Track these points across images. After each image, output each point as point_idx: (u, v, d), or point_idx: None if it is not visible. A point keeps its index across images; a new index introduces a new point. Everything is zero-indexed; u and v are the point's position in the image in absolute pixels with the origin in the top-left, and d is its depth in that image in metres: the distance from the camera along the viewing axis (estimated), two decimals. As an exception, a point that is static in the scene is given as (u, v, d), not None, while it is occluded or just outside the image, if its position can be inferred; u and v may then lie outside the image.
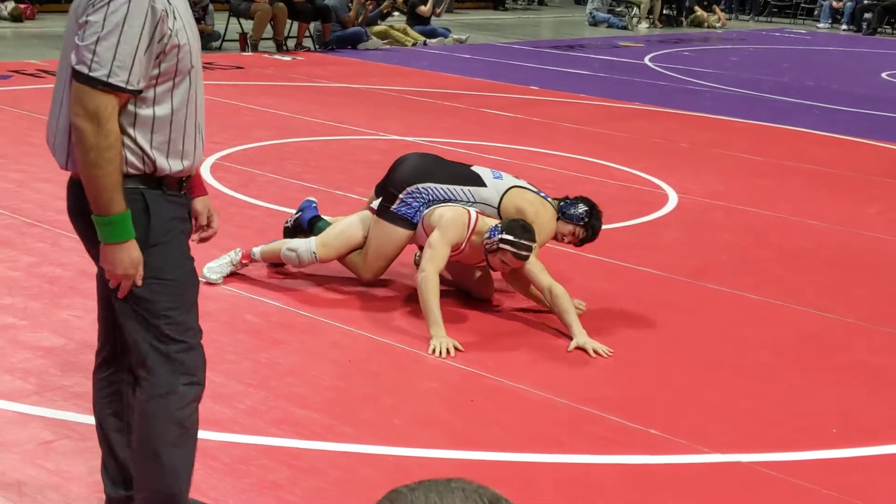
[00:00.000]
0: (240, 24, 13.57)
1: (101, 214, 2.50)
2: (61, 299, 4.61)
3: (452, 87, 11.39)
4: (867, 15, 22.51)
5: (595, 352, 4.41)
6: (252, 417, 3.65)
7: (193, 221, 2.85)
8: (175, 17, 2.49)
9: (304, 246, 4.91)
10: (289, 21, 13.62)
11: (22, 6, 15.35)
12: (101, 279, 2.68)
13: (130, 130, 2.52)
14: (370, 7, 14.59)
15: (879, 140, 9.94)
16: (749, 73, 14.39)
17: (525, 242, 4.49)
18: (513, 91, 11.54)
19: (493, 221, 4.67)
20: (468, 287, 4.99)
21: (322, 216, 5.27)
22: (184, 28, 2.52)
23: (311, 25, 13.90)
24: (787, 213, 6.96)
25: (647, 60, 15.13)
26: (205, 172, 6.97)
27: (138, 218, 2.55)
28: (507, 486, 3.34)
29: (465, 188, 4.81)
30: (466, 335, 4.50)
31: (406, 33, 15.33)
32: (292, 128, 8.68)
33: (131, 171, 2.54)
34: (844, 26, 22.92)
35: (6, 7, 15.15)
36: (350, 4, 14.13)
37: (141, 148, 2.53)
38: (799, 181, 8.04)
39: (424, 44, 15.30)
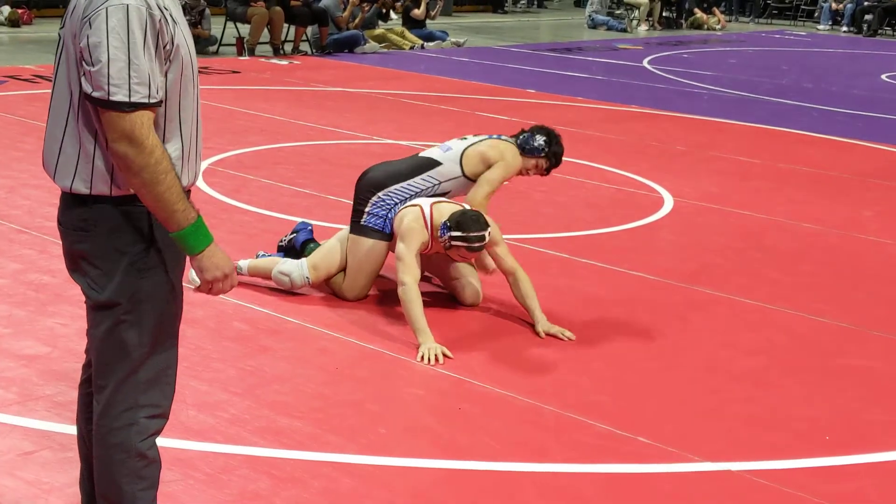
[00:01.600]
0: (236, 28, 13.54)
1: (183, 227, 2.42)
2: (47, 307, 4.56)
3: (449, 91, 11.36)
4: (868, 16, 22.45)
5: (563, 335, 4.54)
6: (235, 426, 3.61)
7: None
8: (174, 22, 2.44)
9: (297, 271, 4.88)
10: (286, 25, 13.59)
11: (19, 11, 15.34)
12: None
13: None
14: (366, 9, 14.55)
15: (877, 142, 9.89)
16: (748, 75, 14.34)
17: (475, 234, 4.47)
18: (510, 94, 11.50)
19: (450, 210, 4.62)
20: (457, 292, 4.94)
21: (315, 240, 5.23)
22: (182, 32, 2.47)
23: (308, 29, 13.87)
24: (783, 216, 6.91)
25: (645, 63, 15.09)
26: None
27: (144, 238, 2.48)
28: (492, 496, 3.30)
29: (424, 175, 4.90)
30: (455, 341, 4.45)
31: (403, 37, 15.29)
32: (287, 132, 8.64)
33: None
34: (845, 28, 22.86)
35: (3, 12, 15.14)
36: (345, 4, 14.09)
37: None
38: (794, 184, 7.99)
39: (422, 47, 15.27)
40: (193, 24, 12.78)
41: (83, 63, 2.38)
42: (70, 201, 2.52)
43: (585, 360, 4.41)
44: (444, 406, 3.91)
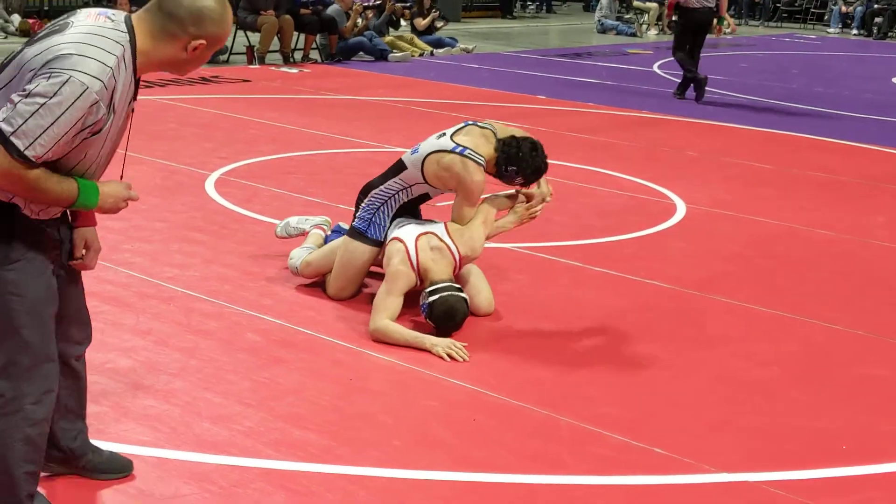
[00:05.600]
0: (247, 37, 13.56)
1: (72, 204, 2.69)
2: None
3: (459, 98, 11.36)
4: (878, 19, 22.41)
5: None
6: (250, 439, 3.61)
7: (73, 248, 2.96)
8: (109, 108, 2.60)
9: (296, 259, 5.18)
10: (295, 33, 13.62)
11: (30, 21, 15.40)
12: None
13: None
14: (370, 16, 14.58)
15: (889, 146, 9.86)
16: (758, 80, 14.31)
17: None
18: (520, 101, 11.50)
19: (437, 230, 4.69)
20: (469, 302, 4.90)
21: None
22: (111, 115, 2.63)
23: (318, 37, 13.91)
24: (795, 223, 6.89)
25: (655, 68, 15.07)
26: (209, 187, 6.95)
27: (4, 234, 2.68)
28: (507, 509, 3.29)
29: (395, 179, 4.89)
30: (468, 352, 4.44)
31: (413, 43, 15.31)
32: (297, 141, 8.65)
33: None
34: (855, 31, 22.82)
35: (14, 22, 15.20)
36: (349, 12, 14.11)
37: None
38: (806, 189, 7.97)
39: (431, 54, 15.28)
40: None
41: (16, 93, 2.54)
42: None
43: (599, 370, 4.40)
44: (459, 418, 3.90)
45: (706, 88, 11.82)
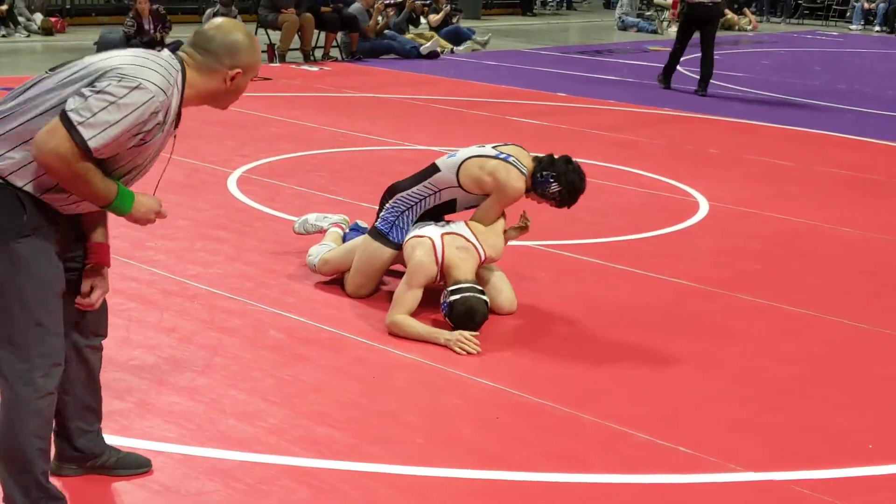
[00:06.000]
0: (267, 35, 13.60)
1: (108, 204, 2.79)
2: None
3: (479, 95, 11.35)
4: (900, 16, 22.25)
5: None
6: (275, 436, 3.61)
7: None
8: (163, 121, 2.76)
9: (315, 253, 5.23)
10: (316, 31, 13.65)
11: (52, 19, 15.48)
12: None
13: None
14: (391, 13, 14.58)
15: (914, 144, 9.78)
16: (780, 77, 14.24)
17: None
18: (540, 98, 11.47)
19: (461, 231, 4.74)
20: (490, 300, 4.89)
21: None
22: (162, 129, 2.76)
23: (339, 35, 13.93)
24: (820, 221, 6.85)
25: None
26: (231, 185, 6.96)
27: (16, 209, 2.73)
28: (532, 507, 3.28)
29: (425, 183, 4.90)
30: (491, 350, 4.44)
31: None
32: (319, 139, 8.66)
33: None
34: (877, 28, 22.66)
35: (36, 20, 15.29)
36: (371, 10, 14.12)
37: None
38: (831, 187, 7.91)
39: (451, 51, 15.28)
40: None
41: (87, 88, 2.67)
42: None
43: (622, 368, 4.38)
44: (481, 416, 3.89)
45: (671, 79, 12.41)
